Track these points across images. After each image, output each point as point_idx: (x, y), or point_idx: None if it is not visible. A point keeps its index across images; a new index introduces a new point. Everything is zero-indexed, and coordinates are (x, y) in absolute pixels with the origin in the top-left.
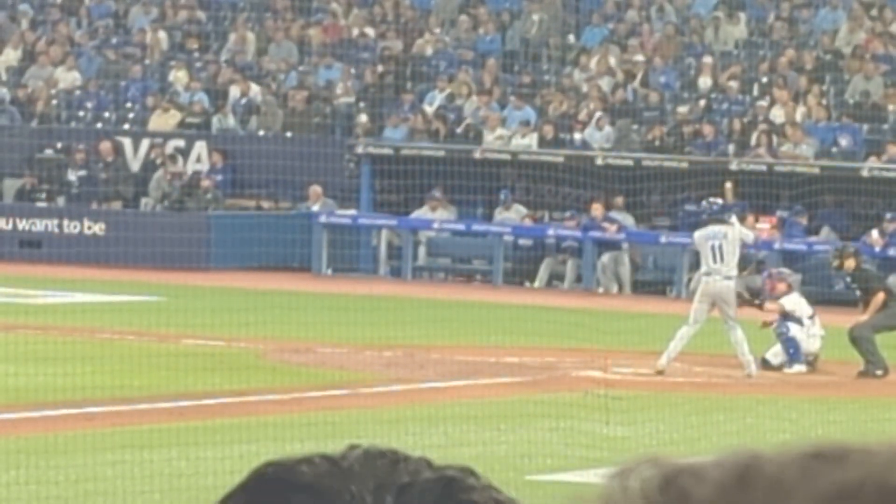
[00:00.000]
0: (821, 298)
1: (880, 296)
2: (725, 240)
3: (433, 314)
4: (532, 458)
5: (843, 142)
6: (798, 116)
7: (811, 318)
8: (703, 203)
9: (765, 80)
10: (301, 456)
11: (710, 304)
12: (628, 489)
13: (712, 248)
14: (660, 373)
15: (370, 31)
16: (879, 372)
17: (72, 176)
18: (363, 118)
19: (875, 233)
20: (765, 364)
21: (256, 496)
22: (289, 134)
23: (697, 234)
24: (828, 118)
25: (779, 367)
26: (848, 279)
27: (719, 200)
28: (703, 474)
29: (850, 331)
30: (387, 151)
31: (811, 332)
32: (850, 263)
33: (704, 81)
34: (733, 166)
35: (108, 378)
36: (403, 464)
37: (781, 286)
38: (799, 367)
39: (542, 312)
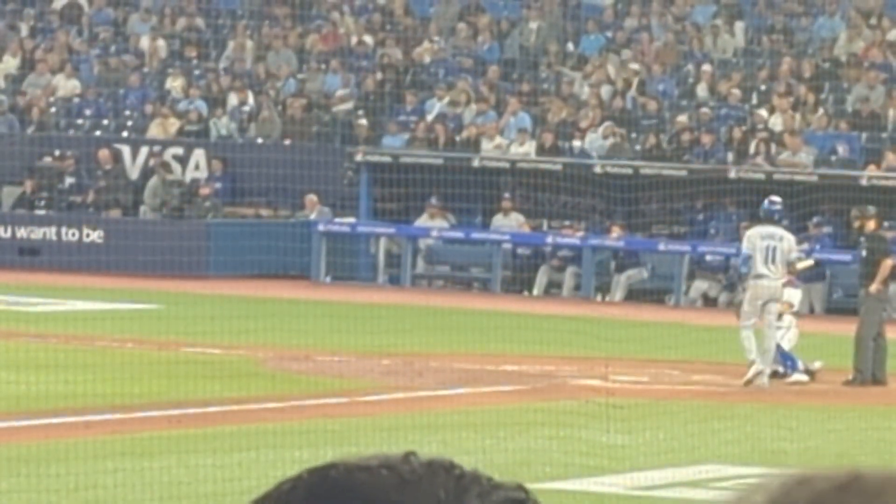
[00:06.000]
0: (821, 306)
1: (888, 263)
2: (781, 243)
3: (432, 322)
4: (531, 467)
5: (842, 150)
6: (797, 125)
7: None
8: (766, 202)
9: (763, 88)
10: (359, 461)
11: (761, 305)
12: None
13: (767, 248)
14: (748, 383)
15: (369, 39)
16: (867, 381)
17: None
18: (363, 122)
19: None
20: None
21: (319, 500)
22: (287, 142)
23: (752, 231)
24: (826, 126)
25: (783, 376)
26: (862, 238)
27: (778, 199)
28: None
29: (857, 330)
30: (385, 159)
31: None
32: (870, 225)
33: (703, 89)
34: (732, 174)
35: (106, 386)
36: (467, 482)
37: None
38: (799, 377)
39: (540, 320)
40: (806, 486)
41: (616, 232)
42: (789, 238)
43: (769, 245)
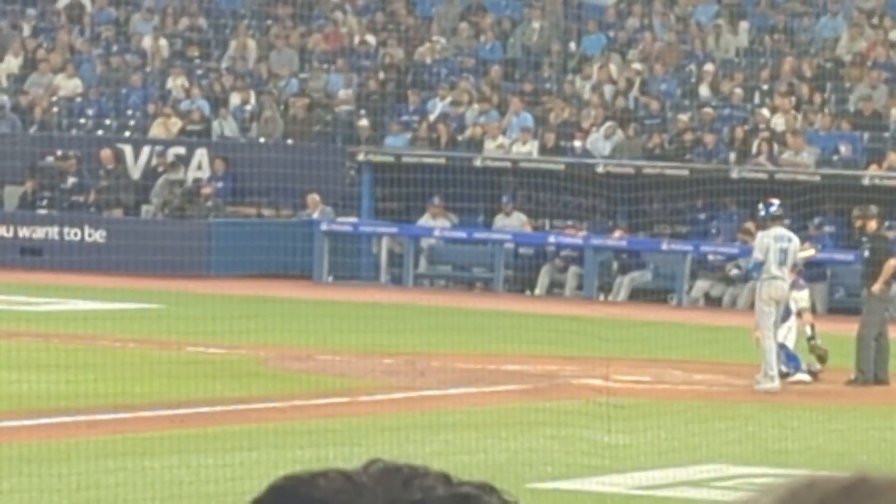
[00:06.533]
0: (823, 306)
1: (892, 263)
2: (790, 244)
3: (434, 322)
4: (533, 466)
5: (844, 149)
6: (799, 124)
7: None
8: (760, 205)
9: (766, 87)
10: (319, 470)
11: (776, 305)
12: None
13: (780, 251)
14: (770, 392)
15: (371, 39)
16: (869, 381)
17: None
18: (364, 122)
19: None
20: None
21: None
22: (290, 141)
23: (765, 233)
24: (829, 126)
25: (785, 376)
26: (865, 238)
27: (777, 201)
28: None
29: (859, 330)
30: (388, 159)
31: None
32: (872, 225)
33: (705, 89)
34: (734, 174)
35: (109, 385)
36: (418, 480)
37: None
38: (801, 376)
39: (542, 320)
40: (813, 489)
41: (619, 234)
42: (796, 238)
43: (781, 247)
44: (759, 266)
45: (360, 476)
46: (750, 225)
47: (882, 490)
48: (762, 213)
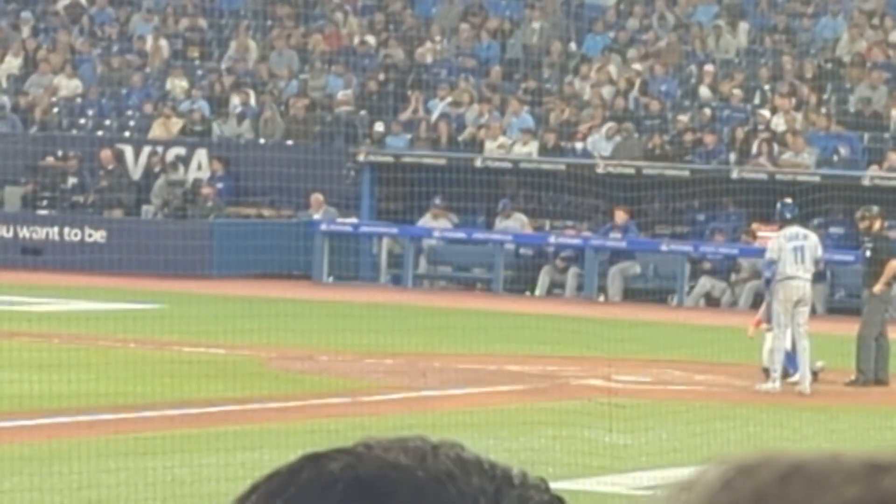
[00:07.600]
0: (823, 307)
1: (894, 263)
2: (807, 241)
3: (434, 322)
4: (534, 466)
5: (843, 150)
6: (799, 125)
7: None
8: (781, 205)
9: (766, 88)
10: (386, 455)
11: (792, 306)
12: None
13: (794, 249)
14: (802, 392)
15: (371, 40)
16: (869, 381)
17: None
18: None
19: None
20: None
21: (354, 500)
22: (290, 142)
23: (778, 236)
24: (828, 127)
25: (785, 376)
26: (866, 238)
27: (790, 200)
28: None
29: (860, 331)
30: (388, 159)
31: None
32: (876, 225)
33: (705, 90)
34: (734, 175)
35: (109, 385)
36: (500, 481)
37: None
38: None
39: (543, 320)
40: (748, 477)
41: (621, 217)
42: (813, 235)
43: (796, 245)
44: (770, 266)
45: (444, 473)
46: (758, 226)
47: (821, 476)
48: (780, 211)
